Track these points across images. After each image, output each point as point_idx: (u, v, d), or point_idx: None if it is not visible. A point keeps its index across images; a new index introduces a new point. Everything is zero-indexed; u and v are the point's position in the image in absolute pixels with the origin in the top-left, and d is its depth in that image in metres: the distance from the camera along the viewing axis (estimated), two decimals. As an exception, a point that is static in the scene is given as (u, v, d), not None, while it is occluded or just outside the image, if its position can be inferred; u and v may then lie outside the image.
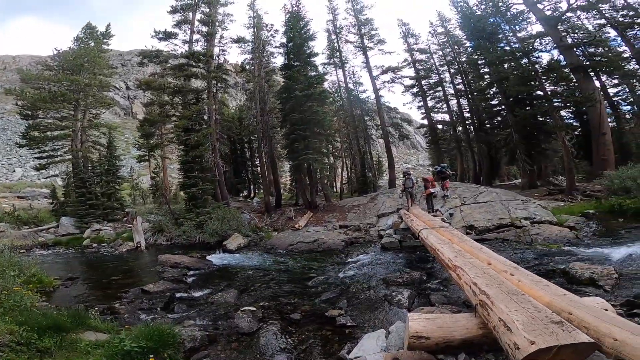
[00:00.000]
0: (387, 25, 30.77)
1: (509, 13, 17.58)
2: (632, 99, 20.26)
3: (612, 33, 18.70)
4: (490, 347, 2.72)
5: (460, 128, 25.97)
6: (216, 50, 20.28)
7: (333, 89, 25.92)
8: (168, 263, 9.82)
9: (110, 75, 26.56)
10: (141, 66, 23.04)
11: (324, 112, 18.51)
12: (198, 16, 19.47)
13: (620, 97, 20.95)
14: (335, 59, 23.87)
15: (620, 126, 19.51)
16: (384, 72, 23.63)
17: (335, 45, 23.70)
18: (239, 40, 20.75)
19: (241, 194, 27.98)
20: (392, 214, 13.73)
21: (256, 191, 28.38)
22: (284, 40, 19.49)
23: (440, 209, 12.69)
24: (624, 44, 18.22)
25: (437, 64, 25.97)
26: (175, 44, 19.26)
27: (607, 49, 18.31)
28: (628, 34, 17.67)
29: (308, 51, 18.54)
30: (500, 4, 17.70)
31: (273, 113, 21.12)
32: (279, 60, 21.76)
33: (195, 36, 19.49)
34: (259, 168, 25.72)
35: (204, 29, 19.42)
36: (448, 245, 4.94)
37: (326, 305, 5.37)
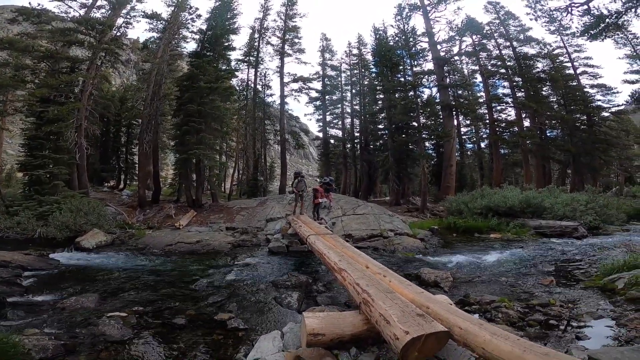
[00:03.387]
0: (309, 37, 32.27)
1: (414, 49, 20.73)
2: (475, 139, 26.78)
3: (479, 79, 24.38)
4: (374, 340, 3.12)
5: (349, 145, 28.80)
6: (119, 21, 17.40)
7: (240, 87, 25.16)
8: None
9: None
10: (10, 24, 17.55)
11: (225, 108, 17.68)
12: (112, -18, 16.26)
13: (467, 136, 27.37)
14: (252, 58, 23.45)
15: (462, 160, 25.34)
16: (295, 80, 24.47)
17: (256, 44, 23.28)
18: (152, 17, 18.31)
19: (106, 184, 23.70)
20: (281, 219, 14.08)
21: (127, 183, 24.53)
22: (204, 27, 18.09)
23: (325, 217, 13.75)
24: (483, 90, 23.91)
25: (343, 82, 28.40)
26: (70, 6, 15.89)
27: (470, 92, 23.62)
28: (489, 81, 23.29)
29: (226, 43, 17.63)
30: (411, 39, 20.74)
31: (167, 99, 18.91)
32: (190, 47, 19.94)
33: (100, 1, 16.51)
34: (135, 157, 22.40)
35: (115, -5, 16.31)
36: (333, 250, 5.45)
37: (214, 309, 5.08)
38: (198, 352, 3.74)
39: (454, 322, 2.65)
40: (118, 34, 17.93)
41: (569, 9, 12.17)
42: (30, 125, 14.43)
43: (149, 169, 18.37)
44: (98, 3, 16.80)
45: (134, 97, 22.14)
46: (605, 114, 24.18)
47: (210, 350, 3.80)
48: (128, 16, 17.83)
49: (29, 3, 15.89)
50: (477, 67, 24.55)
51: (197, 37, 19.12)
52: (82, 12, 16.35)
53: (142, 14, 18.14)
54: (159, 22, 18.99)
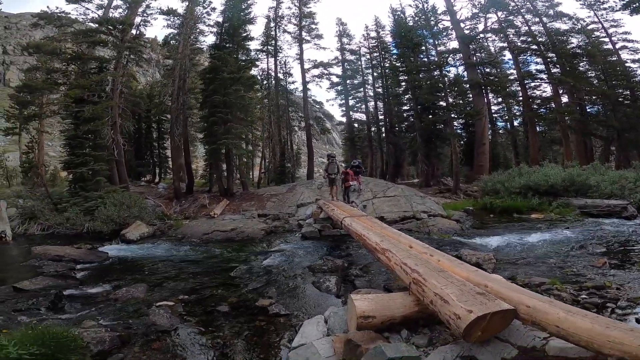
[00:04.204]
0: (325, 22, 31.88)
1: (436, 28, 19.79)
2: (507, 117, 25.34)
3: (508, 56, 22.96)
4: (425, 322, 3.03)
5: (374, 128, 28.24)
6: (137, 19, 17.67)
7: (261, 77, 25.24)
8: (47, 256, 8.13)
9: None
10: (33, 28, 18.48)
11: (250, 97, 17.80)
12: (126, -20, 16.56)
13: (498, 115, 25.96)
14: (270, 47, 23.37)
15: (494, 139, 24.11)
16: (316, 66, 24.25)
17: (272, 33, 23.17)
18: (169, 12, 18.38)
19: (143, 179, 24.86)
20: (311, 204, 14.12)
21: (162, 176, 25.60)
22: (220, 19, 18.22)
23: (355, 200, 13.64)
24: (514, 67, 22.51)
25: (363, 66, 27.84)
26: (88, 8, 16.19)
27: (499, 70, 22.26)
28: (520, 58, 21.88)
29: (244, 34, 17.63)
30: (432, 19, 19.81)
31: (192, 93, 19.32)
32: (209, 40, 20.34)
33: (117, 2, 16.76)
34: (168, 151, 23.25)
35: (130, -6, 16.57)
36: (372, 231, 5.34)
37: (255, 296, 5.19)
38: (242, 339, 3.80)
39: (518, 300, 2.52)
40: (138, 32, 18.32)
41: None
42: (69, 126, 15.12)
43: (181, 162, 18.99)
44: (114, 3, 17.11)
45: (161, 93, 22.75)
46: None
47: (254, 337, 3.86)
48: (145, 14, 18.07)
49: (47, 7, 16.37)
50: (505, 44, 23.01)
51: (214, 30, 19.24)
52: (99, 12, 16.64)
53: (159, 10, 18.29)
54: (175, 18, 19.04)
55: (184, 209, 15.63)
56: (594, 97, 22.61)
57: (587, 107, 23.05)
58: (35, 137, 19.34)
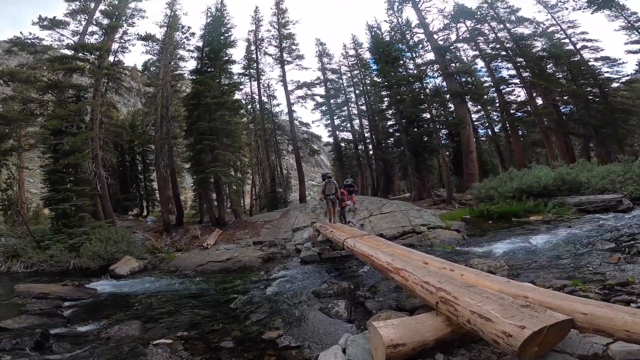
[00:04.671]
0: (305, 43, 32.52)
1: (412, 41, 20.37)
2: (487, 124, 25.93)
3: (480, 64, 23.74)
4: (460, 342, 2.74)
5: (361, 146, 28.38)
6: (115, 46, 17.43)
7: (246, 102, 25.25)
8: (31, 294, 7.68)
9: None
10: (7, 55, 17.95)
11: (236, 123, 17.64)
12: (102, 7, 16.59)
13: (479, 122, 26.56)
14: (252, 70, 23.49)
15: (478, 146, 24.50)
16: (299, 87, 24.42)
17: (254, 56, 23.38)
18: (147, 38, 18.29)
19: (130, 213, 24.00)
20: (307, 228, 13.73)
21: (150, 209, 24.78)
22: (200, 44, 18.26)
23: (352, 220, 13.34)
24: (487, 74, 23.24)
25: (345, 84, 28.15)
26: (63, 34, 15.82)
27: (474, 78, 22.93)
28: (492, 65, 22.62)
29: (226, 57, 17.68)
30: (407, 32, 20.41)
31: (176, 121, 19.04)
32: (190, 65, 20.30)
33: (92, 28, 16.51)
34: (154, 183, 22.61)
35: (106, 21, 16.55)
36: (380, 250, 5.05)
37: (260, 328, 4.75)
38: (253, 376, 3.38)
39: (571, 308, 2.36)
40: (116, 59, 17.99)
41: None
42: (48, 161, 14.56)
43: (169, 194, 18.43)
44: (90, 29, 16.71)
45: (143, 122, 22.26)
46: (616, 85, 23.36)
47: (266, 375, 3.44)
48: (122, 40, 17.83)
49: (20, 33, 15.87)
50: (477, 52, 23.95)
51: (195, 54, 19.21)
52: (75, 39, 16.21)
53: (137, 36, 18.17)
54: (154, 44, 18.91)
55: (175, 241, 14.98)
56: (565, 97, 23.46)
57: (560, 108, 23.88)
58: (14, 173, 18.48)
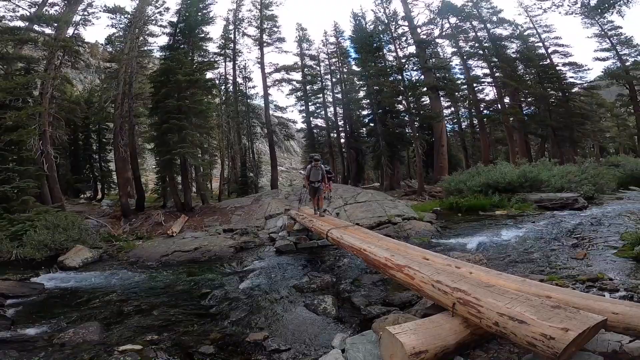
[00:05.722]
0: (285, 26, 31.43)
1: (395, 33, 20.21)
2: (455, 119, 26.85)
3: (456, 61, 24.32)
4: (476, 344, 2.63)
5: (334, 134, 28.19)
6: (77, 18, 15.64)
7: (219, 82, 23.93)
8: None
9: None
10: None
11: (208, 102, 16.48)
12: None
13: (448, 118, 27.44)
14: (228, 51, 22.21)
15: (447, 141, 25.32)
16: (277, 70, 23.62)
17: (231, 36, 22.09)
18: (114, 10, 16.60)
19: (82, 195, 21.96)
20: (280, 215, 13.28)
21: (106, 192, 22.84)
22: (175, 19, 17.00)
23: (327, 208, 13.11)
24: (463, 71, 23.83)
25: (322, 71, 27.59)
26: (18, 5, 14.05)
27: (449, 74, 23.51)
28: (468, 63, 23.22)
29: (201, 35, 16.54)
30: (393, 24, 20.17)
31: (140, 99, 17.47)
32: (160, 41, 18.69)
33: None
34: (111, 164, 20.78)
35: (69, -9, 14.57)
36: (374, 244, 4.79)
37: (241, 328, 4.32)
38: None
39: (601, 308, 2.38)
40: (76, 31, 16.20)
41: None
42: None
43: (128, 175, 16.98)
44: (50, 0, 15.03)
45: (101, 99, 20.36)
46: (577, 90, 25.06)
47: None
48: (86, 12, 16.03)
49: None
50: (455, 50, 24.53)
51: (167, 30, 17.88)
52: (32, 10, 14.51)
53: (104, 8, 16.45)
54: (123, 17, 17.28)
55: (135, 228, 13.82)
56: (529, 99, 24.86)
57: (524, 109, 25.31)
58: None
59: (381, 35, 20.43)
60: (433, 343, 2.37)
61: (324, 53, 28.21)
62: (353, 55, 25.83)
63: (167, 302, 5.76)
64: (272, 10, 23.36)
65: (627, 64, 22.95)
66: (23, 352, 3.83)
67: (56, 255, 9.69)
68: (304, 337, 3.98)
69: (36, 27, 14.32)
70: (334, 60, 27.81)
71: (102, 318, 5.03)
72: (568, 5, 13.82)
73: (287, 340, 3.87)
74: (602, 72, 24.35)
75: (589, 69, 24.80)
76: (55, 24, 14.28)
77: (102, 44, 23.67)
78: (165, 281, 7.40)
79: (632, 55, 22.87)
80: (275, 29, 23.06)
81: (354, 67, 24.44)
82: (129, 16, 17.17)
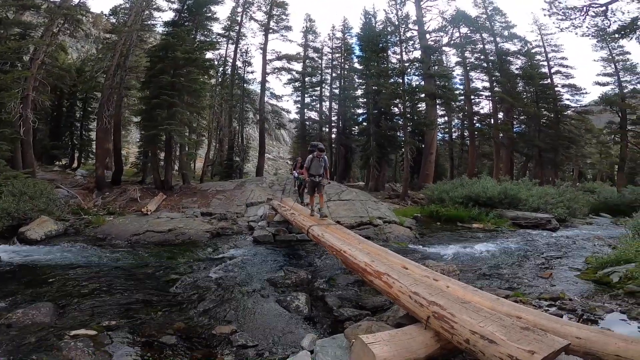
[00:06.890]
0: (293, 16, 30.88)
1: (404, 35, 20.11)
2: (447, 129, 27.16)
3: (458, 71, 24.43)
4: (444, 358, 2.61)
5: (325, 128, 28.07)
6: None
7: (218, 63, 23.41)
8: None
9: None
10: None
11: (203, 82, 16.00)
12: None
13: (441, 127, 27.70)
14: (232, 33, 21.70)
15: (437, 149, 25.58)
16: (279, 58, 23.22)
17: (238, 18, 21.57)
18: None
19: (57, 163, 21.04)
20: (262, 204, 13.11)
21: (82, 161, 21.97)
22: None
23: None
24: (463, 82, 23.92)
25: (323, 65, 27.37)
26: None
27: (449, 83, 23.63)
28: (470, 74, 23.35)
29: (208, 14, 16.21)
30: (402, 26, 20.02)
31: (133, 72, 16.87)
32: (166, 16, 18.21)
33: None
34: (93, 133, 19.99)
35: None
36: (354, 247, 4.71)
37: (208, 320, 4.16)
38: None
39: (567, 332, 2.41)
40: (82, 0, 15.67)
41: (586, 8, 12.44)
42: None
43: (108, 146, 16.32)
44: None
45: (93, 69, 19.63)
46: (570, 112, 25.57)
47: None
48: None
49: None
50: (459, 59, 24.64)
51: (175, 6, 17.33)
52: None
53: None
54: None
55: (107, 202, 13.31)
56: (522, 117, 25.26)
57: (515, 126, 25.75)
58: None
59: (389, 37, 20.33)
60: (404, 356, 2.33)
61: (328, 47, 28.07)
62: (357, 52, 25.71)
63: (131, 286, 5.48)
64: (284, -4, 23.10)
65: (625, 90, 23.29)
66: (-38, 331, 3.53)
67: (18, 225, 9.07)
68: (274, 335, 3.87)
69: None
70: (337, 55, 27.64)
71: (57, 298, 4.72)
72: (587, 27, 14.13)
73: (256, 337, 3.75)
74: (599, 97, 24.70)
75: (586, 93, 25.27)
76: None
77: (106, 15, 22.80)
78: (132, 262, 7.10)
79: (633, 82, 23.25)
80: (284, 17, 22.90)
81: (356, 65, 24.38)
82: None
